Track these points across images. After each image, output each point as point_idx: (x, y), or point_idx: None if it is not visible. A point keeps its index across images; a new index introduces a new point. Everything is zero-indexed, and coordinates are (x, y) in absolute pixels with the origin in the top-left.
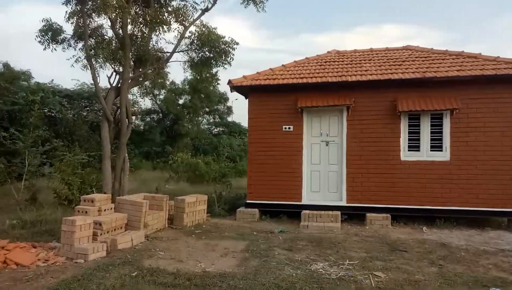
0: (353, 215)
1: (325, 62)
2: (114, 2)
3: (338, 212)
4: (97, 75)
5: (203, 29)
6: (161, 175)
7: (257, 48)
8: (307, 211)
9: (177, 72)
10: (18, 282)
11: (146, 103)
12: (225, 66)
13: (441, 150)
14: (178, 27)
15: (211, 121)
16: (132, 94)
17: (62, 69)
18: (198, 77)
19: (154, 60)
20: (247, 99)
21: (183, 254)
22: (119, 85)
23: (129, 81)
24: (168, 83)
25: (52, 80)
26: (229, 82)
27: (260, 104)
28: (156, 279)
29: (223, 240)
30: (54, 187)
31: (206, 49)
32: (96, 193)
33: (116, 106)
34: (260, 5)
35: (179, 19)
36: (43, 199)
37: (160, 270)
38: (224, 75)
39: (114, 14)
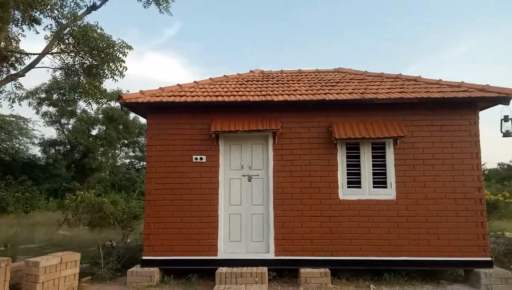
0: (283, 271)
1: (247, 81)
2: None
3: (265, 269)
4: None
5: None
6: (61, 217)
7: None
8: (224, 269)
9: None
10: None
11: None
12: (115, 76)
13: (386, 187)
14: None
15: (131, 154)
16: (32, 123)
17: None
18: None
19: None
20: (147, 121)
21: None
22: None
23: None
24: (78, 111)
25: None
26: (120, 97)
27: (162, 128)
28: None
29: None
30: None
31: (86, 50)
32: None
33: None
34: (163, 5)
35: (53, 15)
36: None
37: None
38: None
39: None
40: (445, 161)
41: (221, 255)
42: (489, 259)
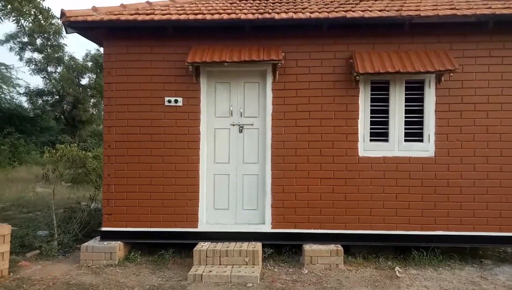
0: (282, 247)
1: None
2: None
3: (258, 245)
4: None
5: None
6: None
7: None
8: (205, 245)
9: (78, 44)
10: None
11: (37, 81)
12: None
13: (421, 140)
14: None
15: None
16: (16, 70)
17: None
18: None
19: None
20: (103, 50)
21: None
22: None
23: None
24: (66, 58)
25: None
26: (63, 14)
27: (124, 59)
28: None
29: None
30: None
31: None
32: None
33: None
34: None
35: None
36: None
37: None
38: None
39: None
40: (505, 106)
41: (203, 226)
42: None
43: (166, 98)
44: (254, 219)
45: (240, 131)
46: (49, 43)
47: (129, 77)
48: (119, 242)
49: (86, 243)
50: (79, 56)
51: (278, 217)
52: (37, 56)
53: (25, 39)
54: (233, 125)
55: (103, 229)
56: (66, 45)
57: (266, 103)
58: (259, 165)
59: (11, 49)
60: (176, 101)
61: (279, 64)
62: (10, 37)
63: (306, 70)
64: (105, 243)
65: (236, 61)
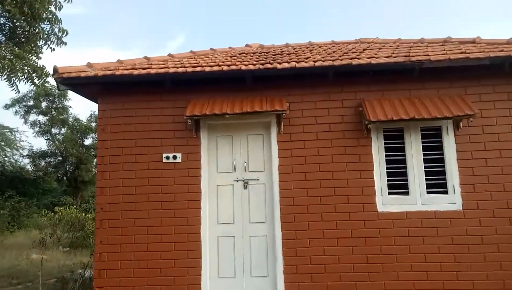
0: None
1: (240, 53)
2: None
3: None
4: None
5: None
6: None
7: None
8: None
9: (83, 106)
10: None
11: (41, 143)
12: (49, 43)
13: (446, 192)
14: None
15: None
16: (20, 133)
17: None
18: None
19: None
20: (98, 107)
21: None
22: None
23: None
24: (70, 119)
25: None
26: (55, 71)
27: (120, 115)
28: None
29: None
30: None
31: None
32: None
33: None
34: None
35: None
36: None
37: None
38: None
39: None
40: None
41: None
42: None
43: (164, 155)
44: (265, 288)
45: (245, 187)
46: (54, 105)
47: (124, 133)
48: None
49: None
50: (84, 117)
51: (292, 285)
52: (41, 118)
53: (31, 103)
54: (237, 180)
55: None
56: (70, 107)
57: (271, 156)
58: (267, 224)
59: (16, 112)
60: (174, 157)
61: (284, 114)
62: (16, 101)
63: (312, 120)
64: None
65: (238, 112)
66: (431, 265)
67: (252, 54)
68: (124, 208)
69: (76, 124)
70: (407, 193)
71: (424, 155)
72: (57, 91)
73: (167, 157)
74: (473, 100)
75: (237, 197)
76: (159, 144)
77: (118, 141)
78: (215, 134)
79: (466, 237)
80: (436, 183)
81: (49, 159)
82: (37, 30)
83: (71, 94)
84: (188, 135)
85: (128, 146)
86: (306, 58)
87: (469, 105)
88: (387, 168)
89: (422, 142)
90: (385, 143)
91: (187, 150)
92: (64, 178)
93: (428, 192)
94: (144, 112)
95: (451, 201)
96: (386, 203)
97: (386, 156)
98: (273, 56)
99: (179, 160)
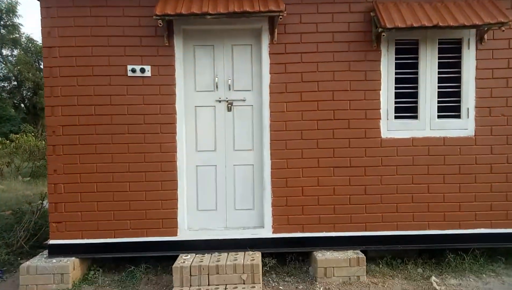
0: (287, 256)
1: None
2: None
3: (258, 255)
4: None
5: None
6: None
7: None
8: (189, 258)
9: (37, 24)
10: None
11: None
12: None
13: (459, 116)
14: None
15: None
16: None
17: None
18: None
19: None
20: (40, 3)
21: None
22: None
23: None
24: (23, 39)
25: None
26: None
27: (71, 15)
28: None
29: None
30: None
31: None
32: None
33: None
34: None
35: None
36: None
37: None
38: None
39: None
40: None
41: (184, 234)
42: None
43: (129, 67)
44: (250, 221)
45: (229, 109)
46: (1, 22)
47: (77, 39)
48: (73, 258)
49: (27, 262)
50: (38, 37)
51: (281, 219)
52: None
53: None
54: (220, 101)
55: (51, 242)
56: (21, 25)
57: (262, 72)
58: (254, 152)
59: None
60: (142, 70)
61: (280, 16)
62: None
63: (312, 27)
64: (54, 260)
65: (223, 13)
66: (434, 196)
67: None
68: (82, 131)
69: (30, 44)
70: (415, 117)
71: (438, 73)
72: (2, 5)
73: (133, 70)
74: (507, 6)
75: (220, 121)
76: (122, 53)
77: (69, 49)
78: (192, 43)
79: (475, 166)
80: (449, 106)
81: (2, 84)
82: None
83: (21, 10)
84: (159, 42)
85: (83, 55)
86: None
87: (503, 11)
88: (395, 88)
89: (438, 58)
90: (396, 58)
91: (157, 62)
92: (22, 105)
93: (438, 116)
94: (102, 12)
95: (463, 126)
96: (391, 128)
97: (396, 74)
98: None
99: (148, 74)
